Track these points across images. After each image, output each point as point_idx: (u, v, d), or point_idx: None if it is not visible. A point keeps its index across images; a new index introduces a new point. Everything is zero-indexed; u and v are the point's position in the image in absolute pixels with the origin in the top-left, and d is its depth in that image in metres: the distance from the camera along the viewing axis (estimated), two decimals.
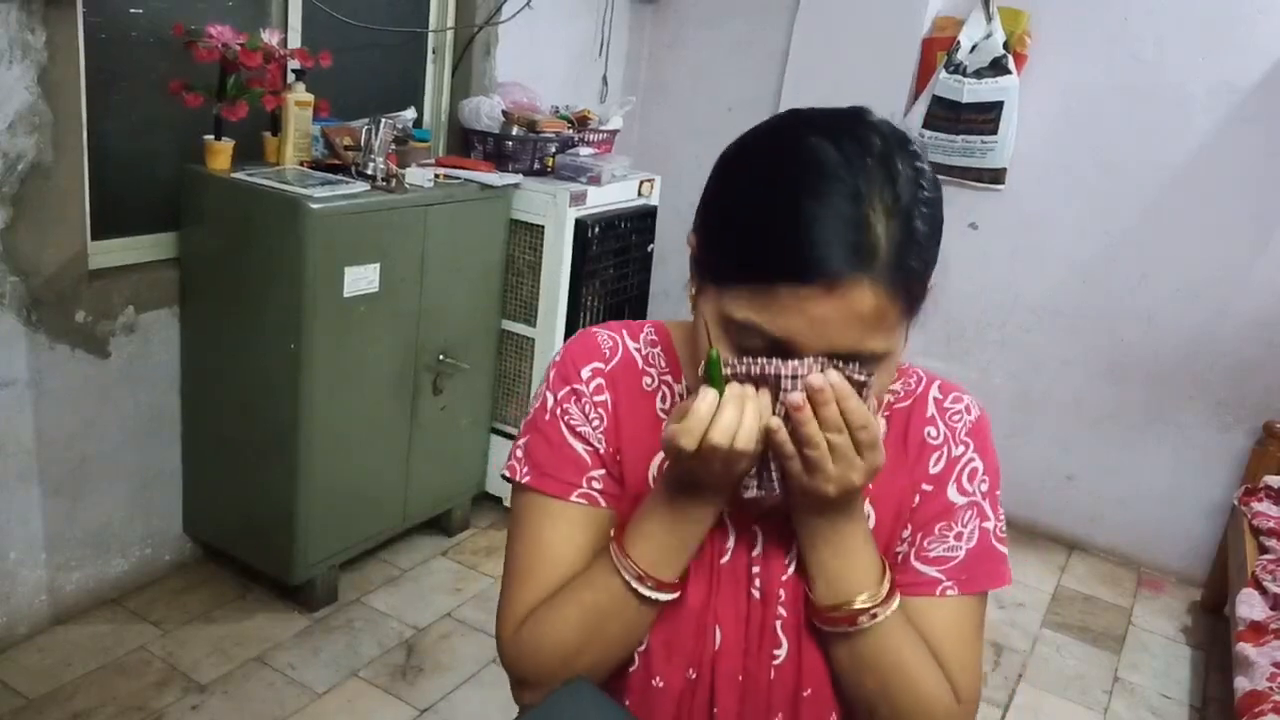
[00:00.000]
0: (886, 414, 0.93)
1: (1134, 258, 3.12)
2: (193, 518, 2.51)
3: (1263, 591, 2.39)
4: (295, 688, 2.19)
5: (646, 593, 0.83)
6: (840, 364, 0.75)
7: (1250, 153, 2.91)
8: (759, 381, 0.76)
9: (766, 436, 0.75)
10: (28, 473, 2.14)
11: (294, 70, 2.36)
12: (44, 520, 2.19)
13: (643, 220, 3.07)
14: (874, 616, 0.83)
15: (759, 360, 0.75)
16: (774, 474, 0.79)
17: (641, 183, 3.05)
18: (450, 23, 3.02)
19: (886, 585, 0.84)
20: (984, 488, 0.92)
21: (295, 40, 2.53)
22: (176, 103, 2.14)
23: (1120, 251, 3.14)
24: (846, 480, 0.76)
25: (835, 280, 0.71)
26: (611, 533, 0.87)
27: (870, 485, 0.84)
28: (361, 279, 2.27)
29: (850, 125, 0.76)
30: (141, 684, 2.13)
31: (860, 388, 0.75)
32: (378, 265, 2.30)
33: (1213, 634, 2.91)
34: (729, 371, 0.75)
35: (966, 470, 0.92)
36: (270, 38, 2.25)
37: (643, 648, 0.89)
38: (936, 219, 0.78)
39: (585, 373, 0.92)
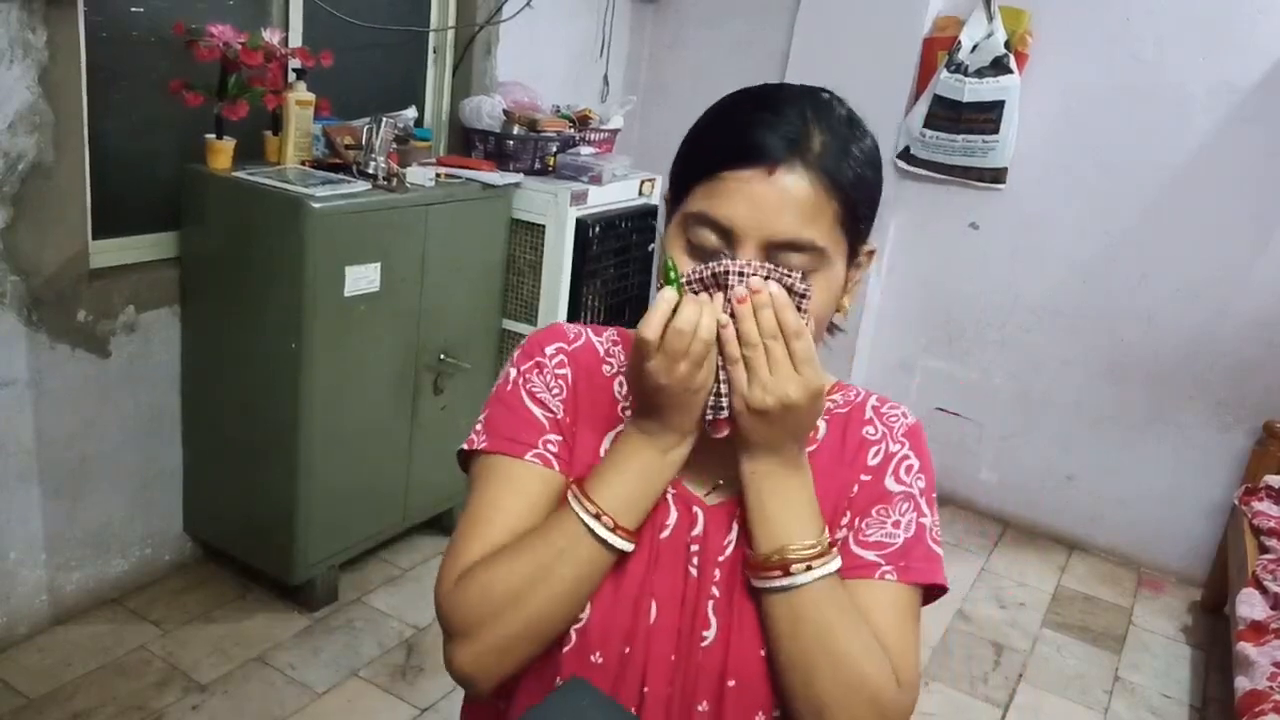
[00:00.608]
0: (826, 418, 0.96)
1: (1134, 258, 3.12)
2: (193, 517, 2.51)
3: (1263, 591, 2.40)
4: (295, 687, 2.19)
5: (603, 534, 0.84)
6: (781, 273, 0.81)
7: (1250, 153, 2.91)
8: (710, 285, 0.82)
9: (718, 341, 0.81)
10: (28, 473, 2.14)
11: (295, 69, 2.36)
12: (44, 520, 2.19)
13: (643, 220, 3.07)
14: (809, 568, 0.83)
15: (709, 265, 0.81)
16: (726, 397, 0.83)
17: (642, 182, 3.05)
18: (451, 22, 3.02)
19: (825, 540, 0.85)
20: (920, 484, 0.94)
21: (296, 39, 2.52)
22: (177, 102, 2.14)
23: (1120, 251, 3.14)
24: (782, 392, 0.80)
25: (773, 164, 0.81)
26: (570, 483, 0.88)
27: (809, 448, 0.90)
28: (362, 278, 2.27)
29: (809, 87, 0.89)
30: (142, 684, 2.13)
31: (800, 300, 0.81)
32: (378, 265, 2.30)
33: (1213, 634, 2.91)
34: (684, 279, 0.82)
35: (903, 465, 0.94)
36: (271, 37, 2.25)
37: (581, 623, 0.88)
38: (873, 161, 0.87)
39: (550, 350, 0.97)
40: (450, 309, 2.59)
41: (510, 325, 2.87)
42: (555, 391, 0.95)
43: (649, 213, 3.10)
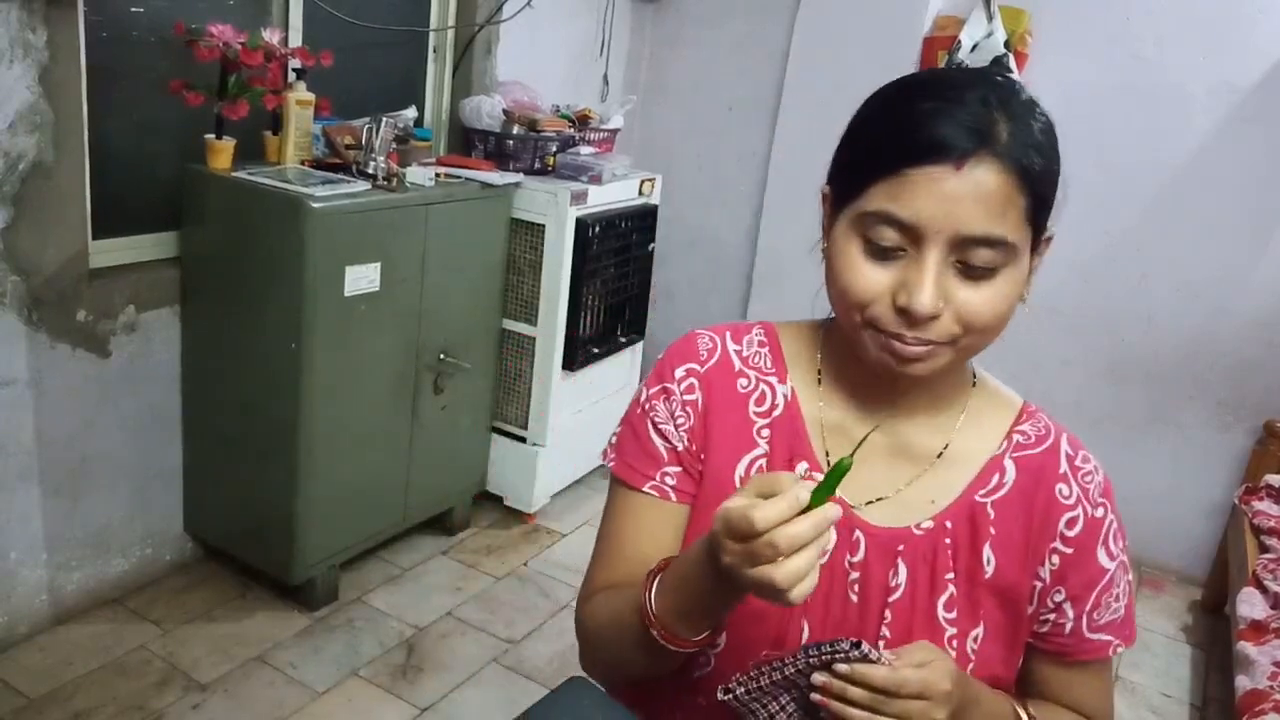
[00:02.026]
0: (1014, 459, 0.93)
1: (1134, 258, 3.12)
2: (193, 517, 2.51)
3: (1263, 590, 2.40)
4: (296, 687, 2.19)
5: (661, 643, 0.81)
6: (831, 650, 0.74)
7: (1250, 153, 2.91)
8: (770, 691, 0.78)
9: None
10: (28, 472, 2.14)
11: (295, 69, 2.36)
12: (44, 520, 2.19)
13: (643, 219, 3.07)
14: None
15: (753, 674, 0.77)
16: None
17: (642, 182, 3.05)
18: (451, 22, 3.02)
19: None
20: (1123, 544, 0.96)
21: (296, 39, 2.52)
22: (177, 102, 2.14)
23: (1120, 251, 3.14)
24: None
25: (962, 157, 0.76)
26: (656, 569, 0.85)
27: (992, 531, 0.88)
28: (362, 278, 2.27)
29: (983, 70, 0.86)
30: (142, 683, 2.13)
31: (864, 657, 0.74)
32: (378, 264, 2.30)
33: (1213, 633, 2.91)
34: (733, 691, 0.77)
35: (1111, 533, 0.95)
36: (271, 36, 2.25)
37: (719, 648, 0.89)
38: (1054, 143, 0.84)
39: (679, 372, 0.95)
40: (450, 309, 2.59)
41: (510, 325, 2.87)
42: (680, 421, 0.93)
43: (649, 212, 3.10)
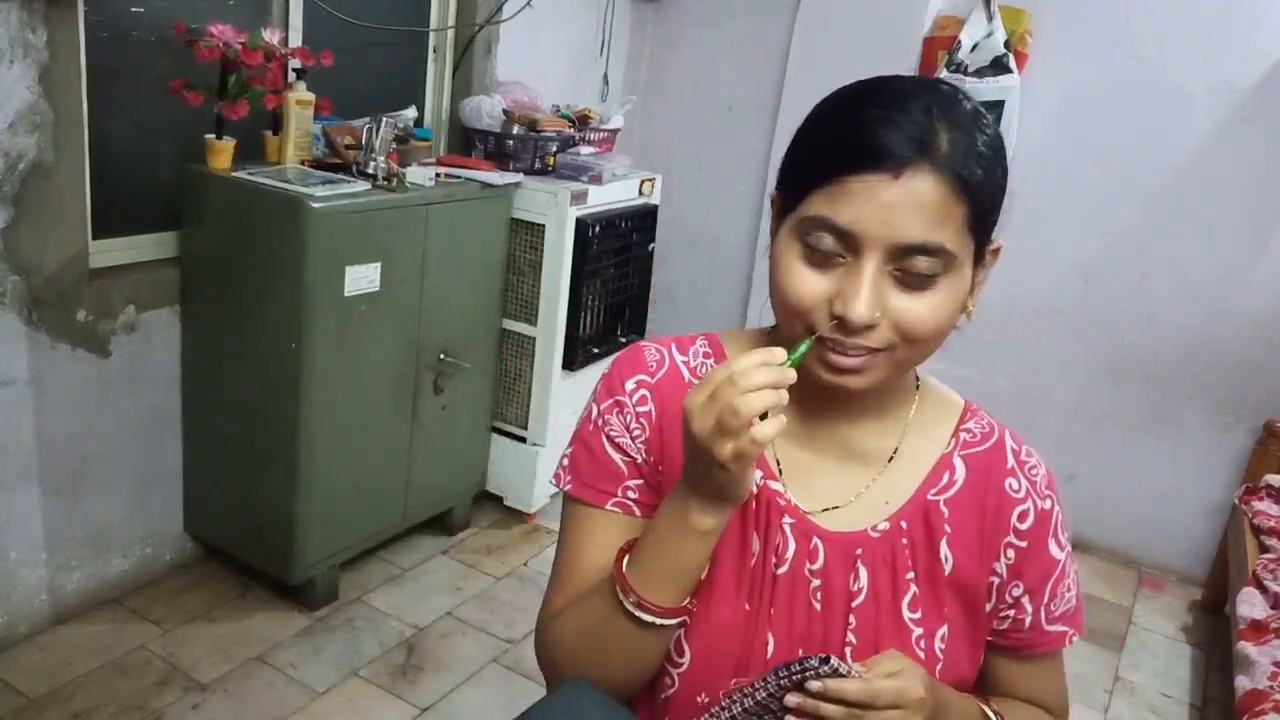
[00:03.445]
0: (963, 456, 0.94)
1: (1134, 258, 3.12)
2: (193, 517, 2.51)
3: (1263, 590, 2.40)
4: (296, 687, 2.19)
5: (637, 613, 0.81)
6: (802, 668, 0.75)
7: (1250, 153, 2.91)
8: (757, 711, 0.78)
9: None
10: (28, 472, 2.14)
11: (295, 69, 2.36)
12: (44, 520, 2.19)
13: (643, 219, 3.07)
14: None
15: (733, 703, 0.78)
16: None
17: (642, 182, 3.05)
18: (451, 22, 3.02)
19: None
20: (1068, 535, 0.98)
21: (296, 39, 2.52)
22: (177, 102, 2.14)
23: (1120, 251, 3.14)
24: None
25: (900, 166, 0.76)
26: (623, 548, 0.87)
27: (948, 529, 0.89)
28: (362, 278, 2.27)
29: (928, 79, 0.85)
30: (142, 683, 2.13)
31: (834, 672, 0.76)
32: (379, 264, 2.30)
33: (1213, 633, 2.91)
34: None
35: (1058, 525, 0.97)
36: (271, 36, 2.25)
37: (682, 667, 0.88)
38: (999, 155, 0.83)
39: (630, 384, 0.93)
40: (450, 309, 2.59)
41: (510, 325, 2.87)
42: (636, 433, 0.92)
43: (649, 212, 3.10)
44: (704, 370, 0.95)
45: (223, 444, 2.40)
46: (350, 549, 2.53)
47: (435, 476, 2.72)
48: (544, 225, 2.76)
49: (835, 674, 0.75)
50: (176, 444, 2.45)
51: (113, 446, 2.29)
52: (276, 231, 2.16)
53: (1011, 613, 0.94)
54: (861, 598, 0.88)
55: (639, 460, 0.92)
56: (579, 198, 2.76)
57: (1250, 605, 2.36)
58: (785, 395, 0.74)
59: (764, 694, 0.77)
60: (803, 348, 0.79)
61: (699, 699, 0.88)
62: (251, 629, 2.35)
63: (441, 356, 2.60)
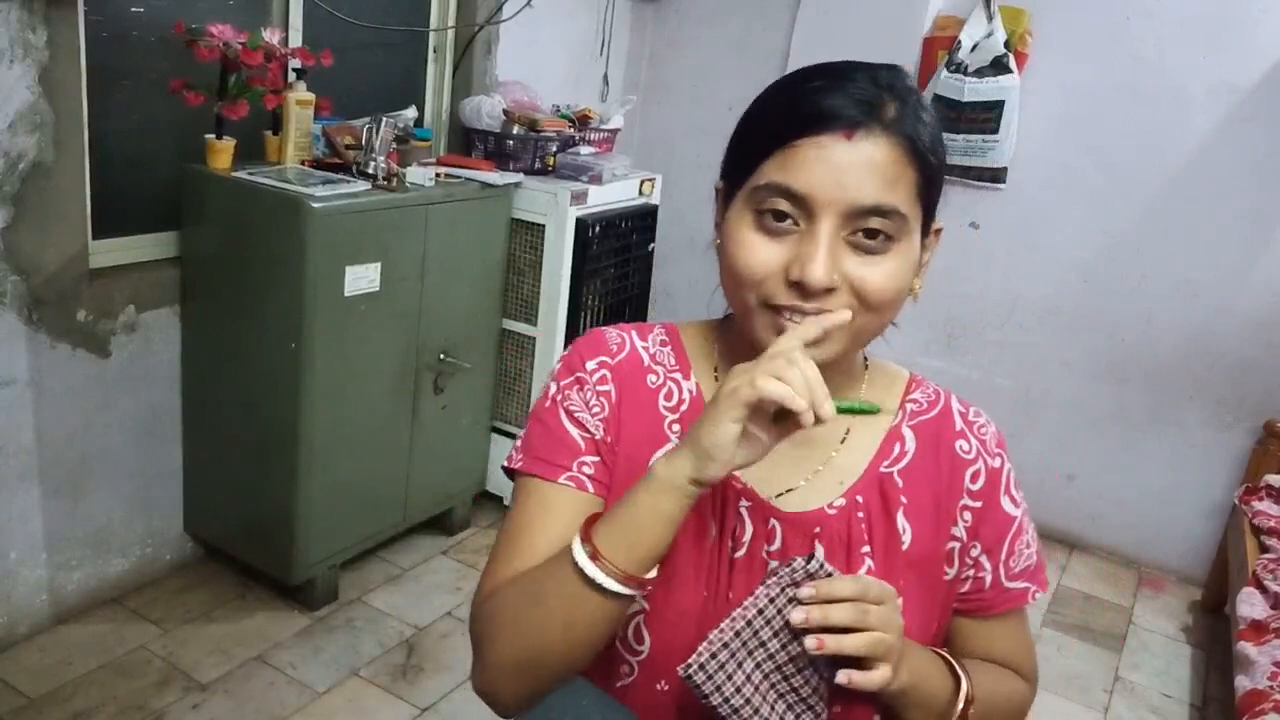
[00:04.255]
0: (911, 426, 0.94)
1: (1134, 258, 3.12)
2: (193, 517, 2.51)
3: (1263, 590, 2.40)
4: (296, 687, 2.19)
5: (587, 567, 0.77)
6: (791, 569, 0.77)
7: (1250, 153, 2.91)
8: (749, 641, 0.78)
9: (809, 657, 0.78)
10: (28, 472, 2.14)
11: (295, 69, 2.36)
12: (44, 520, 2.19)
13: (643, 219, 3.07)
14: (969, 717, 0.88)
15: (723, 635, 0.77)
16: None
17: (642, 182, 3.05)
18: (451, 22, 3.02)
19: (963, 695, 0.88)
20: (1021, 493, 0.97)
21: (296, 39, 2.52)
22: (177, 102, 2.14)
23: (1120, 251, 3.14)
24: (892, 647, 0.78)
25: (852, 127, 0.77)
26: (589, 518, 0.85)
27: (903, 499, 0.90)
28: (362, 278, 2.27)
29: (871, 62, 0.86)
30: (142, 683, 2.13)
31: (821, 570, 0.78)
32: (379, 264, 2.30)
33: (1213, 633, 2.91)
34: (706, 655, 0.77)
35: (1010, 480, 0.96)
36: (271, 36, 2.25)
37: (642, 655, 0.87)
38: (939, 131, 0.84)
39: (591, 364, 0.92)
40: (450, 309, 2.59)
41: (510, 325, 2.88)
42: (596, 410, 0.90)
43: (649, 212, 3.10)
44: (662, 357, 0.94)
45: (223, 444, 2.40)
46: (350, 549, 2.53)
47: (435, 476, 2.72)
48: (544, 225, 2.76)
49: (823, 570, 0.77)
50: (176, 444, 2.45)
51: (113, 446, 2.29)
52: (276, 231, 2.16)
53: (972, 573, 0.94)
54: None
55: (596, 437, 0.90)
56: (579, 198, 2.76)
57: (1250, 605, 2.36)
58: (802, 401, 0.72)
59: (754, 611, 0.77)
60: (866, 408, 0.81)
61: (659, 686, 0.87)
62: (251, 629, 2.35)
63: (441, 356, 2.60)
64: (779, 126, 0.80)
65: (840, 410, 0.75)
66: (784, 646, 0.78)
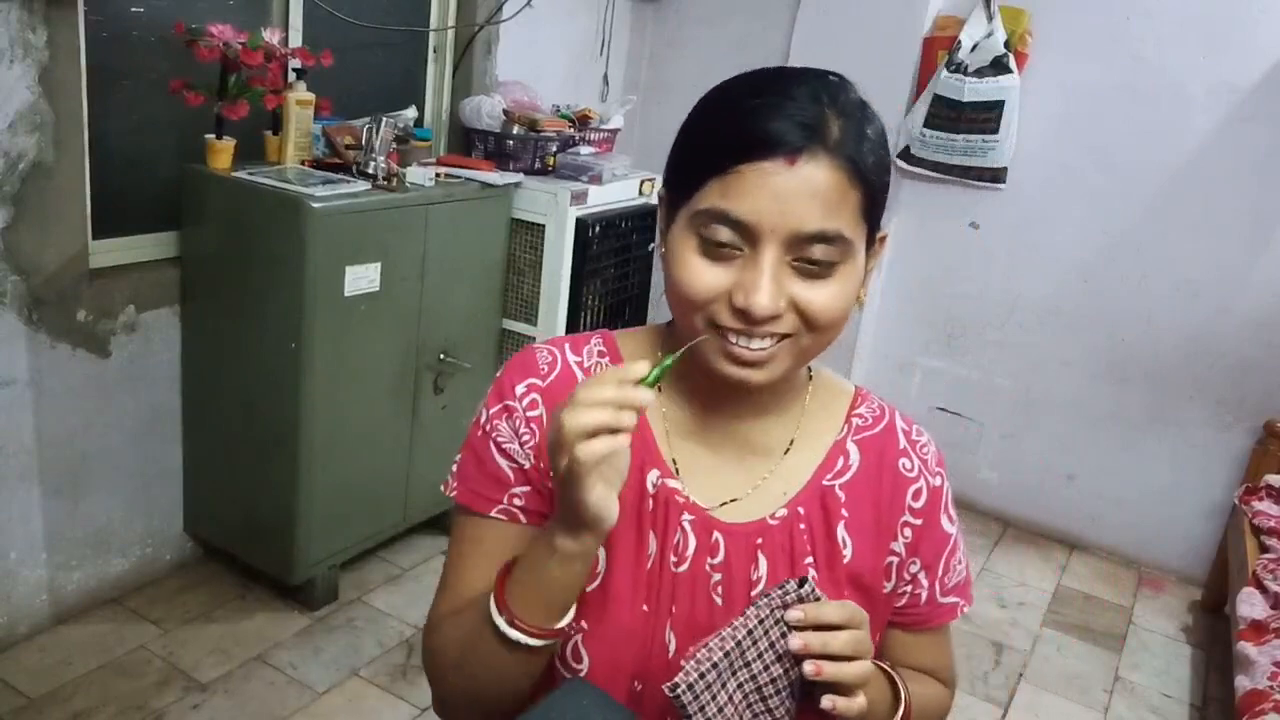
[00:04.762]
0: (856, 441, 0.94)
1: (1134, 258, 3.12)
2: (193, 517, 2.51)
3: (1263, 590, 2.40)
4: (296, 687, 2.19)
5: (507, 630, 0.78)
6: (781, 594, 0.77)
7: (1250, 153, 2.91)
8: (734, 662, 0.78)
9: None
10: (28, 472, 2.14)
11: (295, 69, 2.36)
12: (44, 520, 2.19)
13: (643, 219, 3.07)
14: None
15: (713, 648, 0.76)
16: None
17: (642, 182, 3.05)
18: (451, 22, 3.02)
19: (902, 705, 0.90)
20: (955, 510, 0.99)
21: (296, 39, 2.52)
22: (177, 102, 2.14)
23: (1120, 251, 3.14)
24: (868, 673, 0.79)
25: (795, 153, 0.76)
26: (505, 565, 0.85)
27: (845, 513, 0.91)
28: (362, 278, 2.27)
29: (813, 69, 0.84)
30: (142, 683, 2.13)
31: (811, 594, 0.79)
32: (379, 264, 2.30)
33: (1213, 633, 2.91)
34: (694, 674, 0.76)
35: (948, 499, 0.98)
36: (271, 36, 2.25)
37: (581, 672, 0.86)
38: (885, 143, 0.83)
39: (520, 389, 0.91)
40: (450, 309, 2.59)
41: (510, 325, 2.87)
42: (525, 439, 0.89)
43: (649, 212, 3.10)
44: (598, 369, 0.93)
45: (223, 444, 2.40)
46: (350, 549, 2.53)
47: (435, 476, 2.69)
48: (544, 225, 2.75)
49: (812, 595, 0.77)
50: (176, 444, 2.45)
51: (113, 446, 2.29)
52: (276, 231, 2.16)
53: (909, 589, 0.95)
54: (760, 587, 0.88)
55: (526, 466, 0.89)
56: (579, 198, 2.76)
57: (1250, 605, 2.36)
58: (628, 417, 0.71)
59: (743, 632, 0.77)
60: (665, 364, 0.76)
61: None
62: (251, 629, 2.35)
63: (441, 356, 2.60)
64: (720, 149, 0.78)
65: (651, 382, 0.73)
66: (766, 668, 0.78)
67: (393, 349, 2.45)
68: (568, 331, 2.84)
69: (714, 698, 0.77)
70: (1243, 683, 2.10)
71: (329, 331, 2.23)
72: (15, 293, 2.01)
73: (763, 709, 0.79)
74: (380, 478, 2.55)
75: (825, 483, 0.92)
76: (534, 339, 2.85)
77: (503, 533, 0.88)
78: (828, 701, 0.76)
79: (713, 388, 0.87)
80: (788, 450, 0.93)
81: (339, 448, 2.36)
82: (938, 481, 0.96)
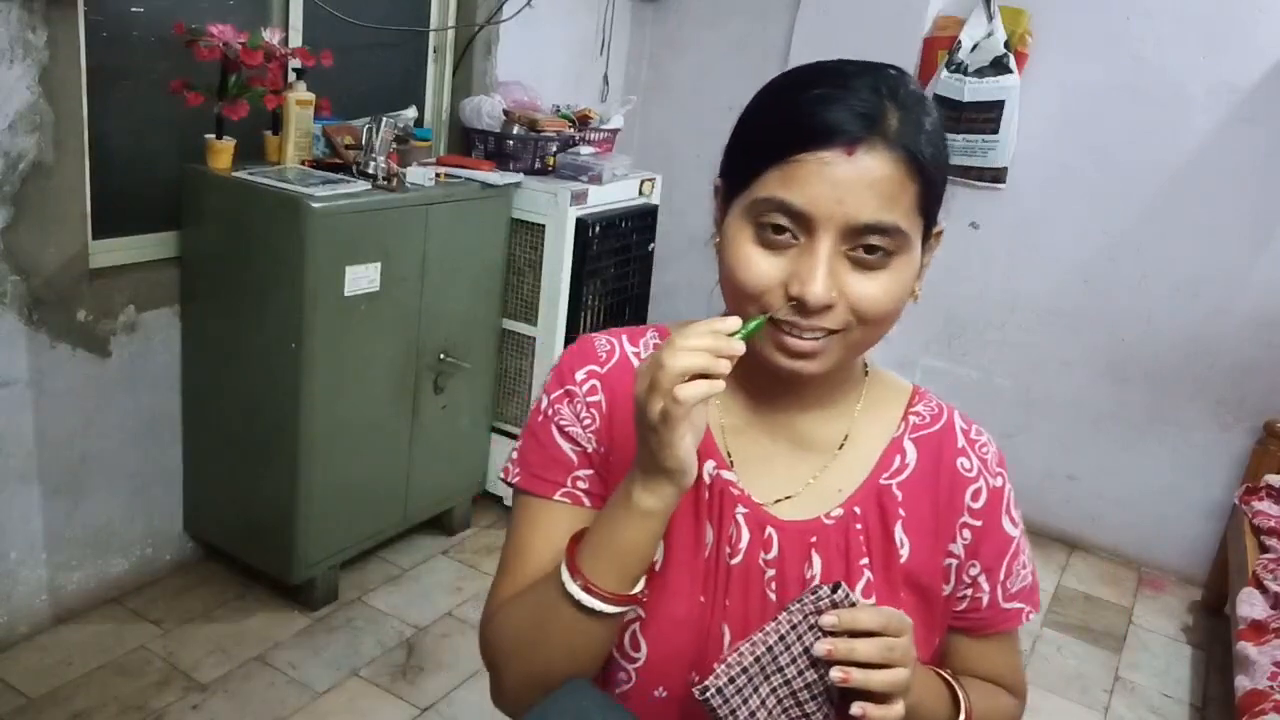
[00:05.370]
0: (913, 439, 0.94)
1: (1134, 258, 3.12)
2: (193, 517, 2.51)
3: (1263, 590, 2.40)
4: (296, 687, 2.19)
5: (582, 597, 0.79)
6: (815, 601, 0.77)
7: (1250, 153, 2.91)
8: (768, 666, 0.77)
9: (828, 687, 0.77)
10: (28, 472, 2.14)
11: (295, 69, 2.36)
12: (44, 520, 2.19)
13: (643, 219, 3.07)
14: None
15: (748, 650, 0.76)
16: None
17: (642, 182, 3.05)
18: (451, 22, 3.02)
19: (962, 714, 0.89)
20: (1020, 512, 0.98)
21: (296, 39, 2.52)
22: (177, 102, 2.14)
23: (1120, 251, 3.14)
24: (909, 683, 0.78)
25: (853, 142, 0.76)
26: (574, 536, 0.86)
27: (902, 512, 0.89)
28: (362, 278, 2.27)
29: (872, 62, 0.84)
30: (142, 683, 2.13)
31: (846, 599, 0.78)
32: (379, 264, 2.30)
33: (1213, 633, 2.91)
34: (724, 679, 0.76)
35: (1010, 501, 0.96)
36: (271, 36, 2.25)
37: (639, 662, 0.87)
38: (944, 137, 0.83)
39: (580, 375, 0.92)
40: (450, 309, 2.59)
41: (510, 325, 2.88)
42: (586, 423, 0.90)
43: (649, 212, 3.10)
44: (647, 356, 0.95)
45: (223, 444, 2.40)
46: (350, 549, 2.53)
47: (435, 476, 2.72)
48: (544, 225, 2.76)
49: (847, 600, 0.76)
50: (176, 444, 2.45)
51: (113, 446, 2.29)
52: (276, 231, 2.16)
53: (969, 592, 0.94)
54: (814, 583, 0.88)
55: (589, 450, 0.90)
56: (579, 198, 2.76)
57: (1250, 605, 2.36)
58: (724, 364, 0.72)
59: (775, 637, 0.77)
60: (754, 323, 0.78)
61: (656, 693, 0.87)
62: (251, 629, 2.35)
63: (441, 356, 2.60)
64: (779, 138, 0.78)
65: (742, 338, 0.75)
66: (800, 673, 0.78)
67: (393, 349, 2.45)
68: (567, 331, 2.84)
69: (745, 701, 0.76)
70: (1243, 683, 2.10)
71: (329, 331, 2.23)
72: (15, 293, 2.01)
73: (799, 714, 0.79)
74: (380, 478, 2.55)
75: (882, 481, 0.91)
76: (534, 339, 2.85)
77: (565, 515, 0.89)
78: (857, 708, 0.75)
79: (766, 380, 0.87)
80: (842, 446, 0.92)
81: (339, 448, 2.36)
82: (999, 483, 0.95)
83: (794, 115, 0.78)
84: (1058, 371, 3.30)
